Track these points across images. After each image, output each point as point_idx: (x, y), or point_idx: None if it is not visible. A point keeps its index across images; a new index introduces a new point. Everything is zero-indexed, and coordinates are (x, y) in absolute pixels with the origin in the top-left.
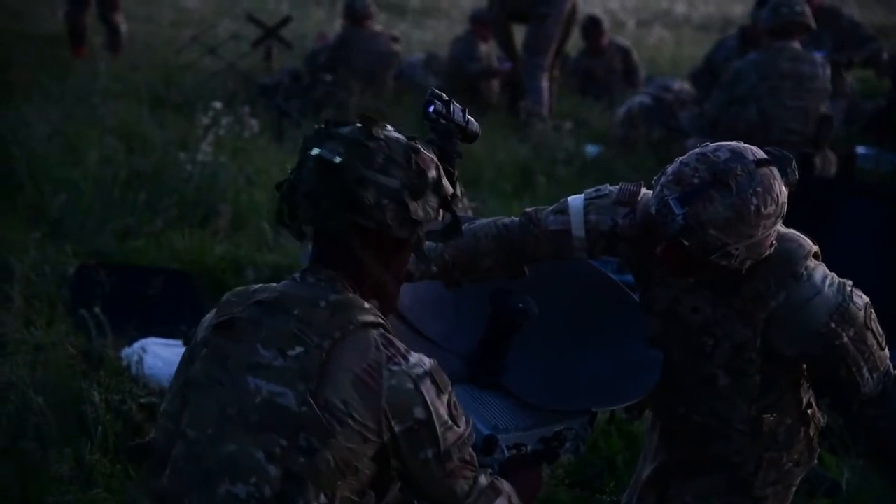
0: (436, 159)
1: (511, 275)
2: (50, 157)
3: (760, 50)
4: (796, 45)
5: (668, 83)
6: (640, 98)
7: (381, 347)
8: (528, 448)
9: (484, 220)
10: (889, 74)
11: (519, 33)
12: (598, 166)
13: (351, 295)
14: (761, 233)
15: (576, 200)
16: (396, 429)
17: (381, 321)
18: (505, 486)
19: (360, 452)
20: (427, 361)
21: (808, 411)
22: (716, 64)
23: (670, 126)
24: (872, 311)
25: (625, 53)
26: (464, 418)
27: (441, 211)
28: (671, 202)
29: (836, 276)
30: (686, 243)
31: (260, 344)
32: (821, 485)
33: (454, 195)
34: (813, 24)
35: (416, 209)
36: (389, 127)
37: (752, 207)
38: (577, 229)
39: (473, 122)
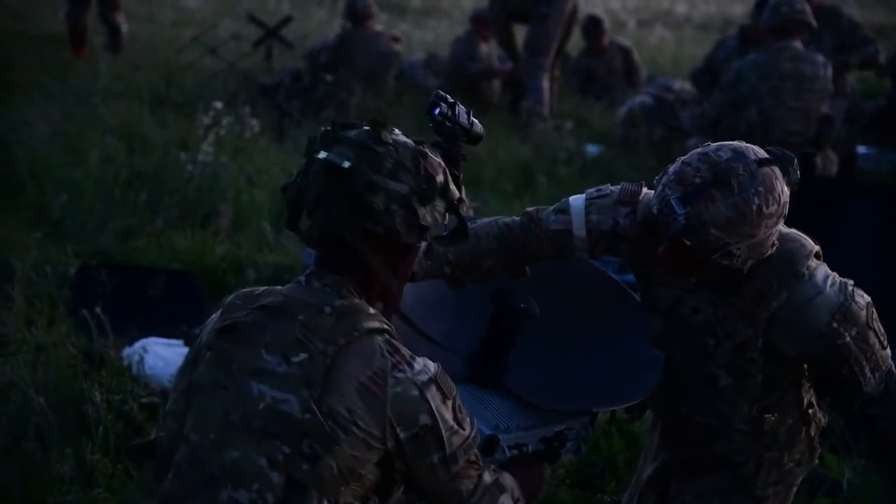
0: (443, 163)
1: (512, 275)
2: (51, 158)
3: (761, 50)
4: (798, 44)
5: (669, 83)
6: (641, 98)
7: (386, 354)
8: (530, 448)
9: (485, 220)
10: (889, 74)
11: (520, 33)
12: (598, 166)
13: (356, 300)
14: (763, 232)
15: (577, 200)
16: (402, 435)
17: (386, 327)
18: (508, 481)
19: (363, 459)
20: (432, 367)
21: (810, 411)
22: (716, 64)
23: (671, 126)
24: (874, 310)
25: (626, 53)
26: (469, 420)
27: (447, 215)
28: (673, 202)
29: (837, 275)
30: (688, 243)
31: (264, 349)
32: (822, 485)
33: (460, 199)
34: (814, 22)
35: (425, 215)
36: (397, 131)
37: (754, 207)
38: (579, 229)
39: (478, 124)
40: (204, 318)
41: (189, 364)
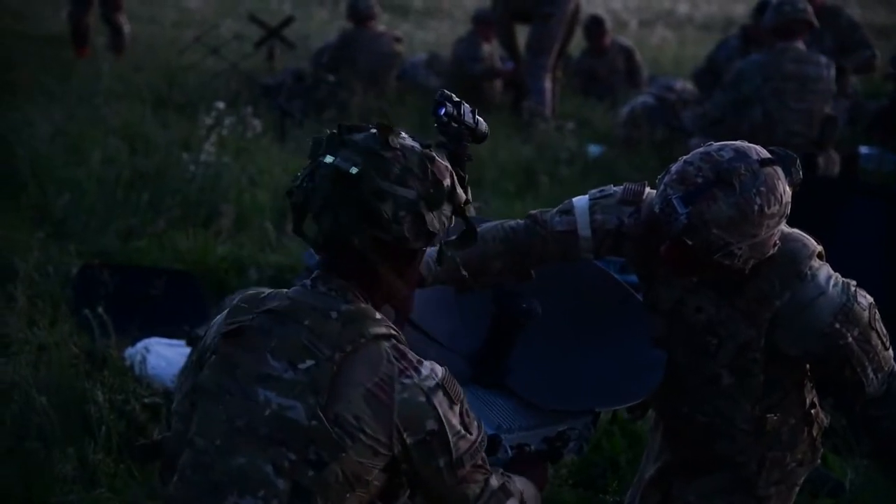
0: (449, 166)
1: (518, 278)
2: (53, 158)
3: (764, 50)
4: (800, 45)
5: (671, 83)
6: (643, 98)
7: (393, 360)
8: (532, 448)
9: (489, 224)
10: (891, 76)
11: (521, 33)
12: (600, 166)
13: (362, 305)
14: (765, 232)
15: (580, 201)
16: (408, 441)
17: (393, 332)
18: (516, 485)
19: (370, 466)
20: (439, 371)
21: (812, 411)
22: (718, 64)
23: (673, 126)
24: (877, 311)
25: (627, 53)
26: (476, 424)
27: (453, 217)
28: (675, 201)
29: (840, 275)
30: (689, 242)
31: (270, 354)
32: (824, 485)
33: (467, 201)
34: (815, 21)
35: (432, 220)
36: (404, 134)
37: (756, 207)
38: (584, 229)
39: (483, 123)
40: (206, 319)
41: (193, 365)
